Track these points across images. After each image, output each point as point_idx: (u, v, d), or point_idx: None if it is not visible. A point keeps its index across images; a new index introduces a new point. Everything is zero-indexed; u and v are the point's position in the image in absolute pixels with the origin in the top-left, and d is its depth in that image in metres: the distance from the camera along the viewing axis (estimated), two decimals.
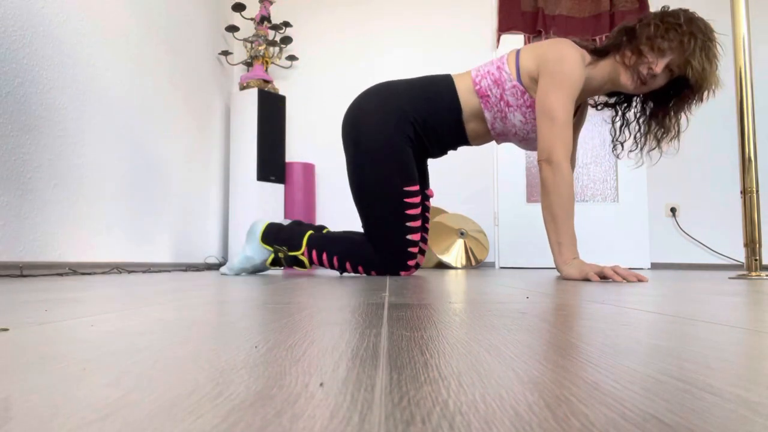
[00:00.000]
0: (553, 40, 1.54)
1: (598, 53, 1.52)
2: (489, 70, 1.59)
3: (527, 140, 1.64)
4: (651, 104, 1.61)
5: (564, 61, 1.46)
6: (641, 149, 1.61)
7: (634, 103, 1.67)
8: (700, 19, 1.41)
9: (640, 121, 1.63)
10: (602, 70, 1.53)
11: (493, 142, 3.30)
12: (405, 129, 1.60)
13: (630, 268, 2.79)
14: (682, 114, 1.54)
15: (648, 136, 1.61)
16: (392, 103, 1.62)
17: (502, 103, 1.58)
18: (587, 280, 1.27)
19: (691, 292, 0.82)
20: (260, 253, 1.65)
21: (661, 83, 1.48)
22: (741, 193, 1.62)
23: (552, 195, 1.41)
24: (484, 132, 1.68)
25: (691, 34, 1.39)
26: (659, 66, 1.42)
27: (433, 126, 1.64)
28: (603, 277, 1.27)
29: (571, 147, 1.45)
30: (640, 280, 1.22)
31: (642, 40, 1.42)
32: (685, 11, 1.43)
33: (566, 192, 1.40)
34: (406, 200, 1.60)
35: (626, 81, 1.48)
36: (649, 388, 0.21)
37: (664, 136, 1.58)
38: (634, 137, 1.64)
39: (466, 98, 1.62)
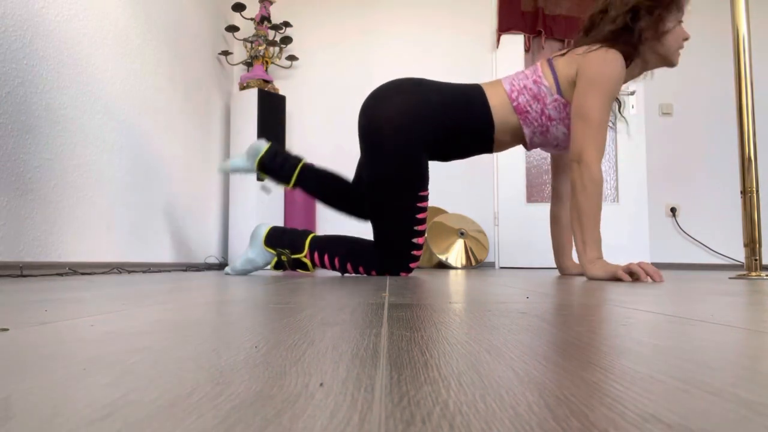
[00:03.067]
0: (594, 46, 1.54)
1: (625, 54, 1.53)
2: (525, 84, 1.56)
3: (567, 148, 1.65)
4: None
5: (606, 63, 1.45)
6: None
7: None
8: None
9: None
10: (633, 69, 1.57)
11: None
12: (426, 137, 1.57)
13: None
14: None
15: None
16: (418, 108, 1.56)
17: (543, 117, 1.56)
18: (616, 279, 1.27)
19: (691, 292, 0.82)
20: (263, 256, 1.65)
21: None
22: (741, 193, 1.62)
23: (580, 195, 1.40)
24: (512, 143, 1.66)
25: None
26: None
27: (458, 138, 1.60)
28: (631, 275, 1.26)
29: (603, 150, 1.44)
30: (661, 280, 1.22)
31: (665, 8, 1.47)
32: None
33: (595, 192, 1.40)
34: (419, 204, 1.60)
35: (673, 62, 1.55)
36: (649, 388, 0.21)
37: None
38: None
39: (502, 114, 1.58)
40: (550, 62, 1.56)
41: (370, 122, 1.60)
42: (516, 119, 1.59)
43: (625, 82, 1.61)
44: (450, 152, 1.66)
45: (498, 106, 1.58)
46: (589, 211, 1.39)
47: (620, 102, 1.76)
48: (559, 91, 1.53)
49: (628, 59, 1.52)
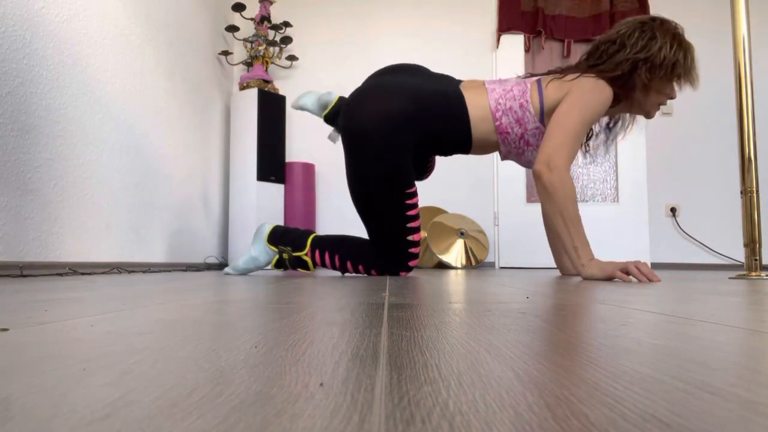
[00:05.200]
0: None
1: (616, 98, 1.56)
2: (511, 106, 1.55)
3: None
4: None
5: (596, 88, 1.47)
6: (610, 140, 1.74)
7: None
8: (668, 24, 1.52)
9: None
10: (616, 111, 1.63)
11: None
12: (406, 141, 1.57)
13: None
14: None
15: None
16: (395, 118, 1.56)
17: (521, 141, 1.57)
18: (611, 279, 1.27)
19: (691, 292, 0.82)
20: (265, 254, 1.66)
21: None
22: (741, 193, 1.62)
23: (561, 199, 1.39)
24: (490, 152, 1.69)
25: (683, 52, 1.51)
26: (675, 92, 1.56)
27: (438, 141, 1.61)
28: (628, 274, 1.26)
29: (572, 161, 1.45)
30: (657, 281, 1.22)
31: (664, 75, 1.49)
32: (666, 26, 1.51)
33: (573, 195, 1.40)
34: (407, 202, 1.60)
35: (649, 114, 1.60)
36: (649, 388, 0.21)
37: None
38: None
39: (482, 131, 1.58)
40: (539, 84, 1.56)
41: (350, 126, 1.59)
42: (495, 138, 1.60)
43: (605, 116, 1.66)
44: (431, 153, 1.68)
45: (479, 121, 1.58)
46: (573, 215, 1.39)
47: (591, 132, 1.78)
48: (542, 119, 1.54)
49: (615, 101, 1.56)
